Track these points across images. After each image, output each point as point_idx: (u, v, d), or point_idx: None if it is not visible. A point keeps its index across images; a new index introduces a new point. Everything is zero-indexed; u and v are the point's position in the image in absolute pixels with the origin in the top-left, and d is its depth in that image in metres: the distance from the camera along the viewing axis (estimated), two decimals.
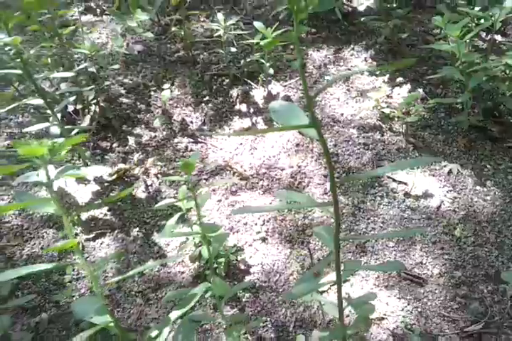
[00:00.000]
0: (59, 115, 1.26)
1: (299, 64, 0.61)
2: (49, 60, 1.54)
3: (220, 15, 1.66)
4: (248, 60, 1.69)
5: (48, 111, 1.26)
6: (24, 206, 0.78)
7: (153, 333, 0.83)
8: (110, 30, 1.94)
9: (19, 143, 0.70)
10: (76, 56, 1.75)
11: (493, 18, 1.46)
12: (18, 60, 1.16)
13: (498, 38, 1.97)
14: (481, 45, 1.88)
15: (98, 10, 2.05)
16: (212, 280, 0.87)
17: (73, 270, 1.23)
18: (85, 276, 1.23)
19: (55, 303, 1.19)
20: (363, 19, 1.79)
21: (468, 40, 1.46)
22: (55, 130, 1.20)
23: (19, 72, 1.14)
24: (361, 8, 2.06)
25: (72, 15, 2.02)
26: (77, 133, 1.32)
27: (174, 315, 0.85)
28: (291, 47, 1.88)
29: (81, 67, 1.35)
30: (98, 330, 0.79)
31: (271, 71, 1.67)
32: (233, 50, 1.68)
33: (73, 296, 1.20)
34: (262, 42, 1.52)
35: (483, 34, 1.98)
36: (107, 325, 0.80)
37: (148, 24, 1.93)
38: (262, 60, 1.63)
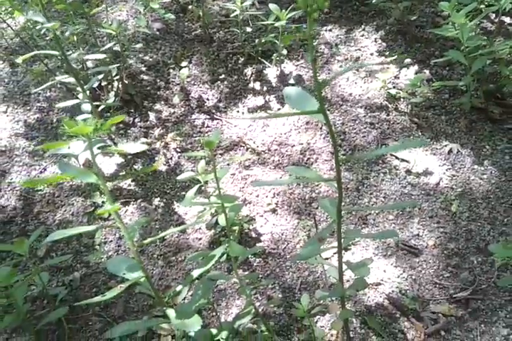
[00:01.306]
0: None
1: (310, 59, 0.71)
2: (75, 37, 1.63)
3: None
4: (262, 40, 1.76)
5: (75, 87, 1.36)
6: (71, 177, 0.89)
7: (177, 288, 0.96)
8: (130, 8, 2.01)
9: (69, 123, 0.81)
10: (98, 33, 1.83)
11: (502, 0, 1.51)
12: (54, 41, 1.26)
13: (507, 20, 2.01)
14: (490, 27, 1.92)
15: None
16: (229, 244, 0.99)
17: (101, 234, 1.37)
18: (112, 240, 1.36)
19: (86, 264, 1.33)
20: (374, 0, 1.84)
21: (475, 24, 1.52)
22: (87, 107, 1.30)
23: (56, 52, 1.23)
24: None
25: None
26: (103, 108, 1.43)
27: (195, 273, 0.97)
28: (304, 26, 1.94)
29: (108, 46, 1.44)
30: (131, 284, 0.92)
31: (284, 51, 1.74)
32: (248, 30, 1.75)
33: (101, 258, 1.34)
34: (276, 24, 1.59)
35: (493, 15, 2.02)
36: (139, 280, 0.93)
37: (167, 2, 1.99)
38: (276, 41, 1.70)
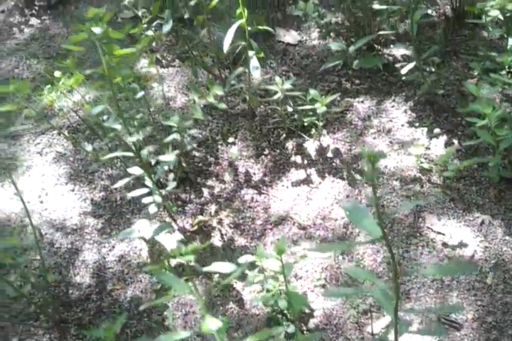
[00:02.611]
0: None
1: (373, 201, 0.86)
2: (135, 122, 1.80)
3: (277, 79, 1.89)
4: (302, 116, 1.92)
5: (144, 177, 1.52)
6: (176, 291, 1.04)
7: None
8: (177, 83, 2.19)
9: (174, 251, 0.96)
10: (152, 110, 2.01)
11: None
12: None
13: None
14: None
15: (164, 61, 2.30)
16: (295, 333, 1.13)
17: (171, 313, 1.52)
18: (179, 316, 1.51)
19: None
20: (402, 71, 1.97)
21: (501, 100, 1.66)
22: (157, 198, 1.46)
23: (131, 154, 1.40)
24: (398, 54, 2.27)
25: (141, 67, 2.28)
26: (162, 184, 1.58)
27: None
28: (338, 98, 2.09)
29: (170, 138, 1.60)
30: None
31: (322, 126, 1.90)
32: (290, 109, 1.92)
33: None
34: (318, 111, 1.74)
35: None
36: None
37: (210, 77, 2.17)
38: (316, 122, 1.86)
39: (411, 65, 1.88)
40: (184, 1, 2.09)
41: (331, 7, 2.42)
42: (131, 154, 1.40)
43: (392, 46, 2.26)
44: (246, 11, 1.61)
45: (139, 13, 2.26)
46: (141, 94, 1.58)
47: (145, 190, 1.50)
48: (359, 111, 2.07)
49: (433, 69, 1.97)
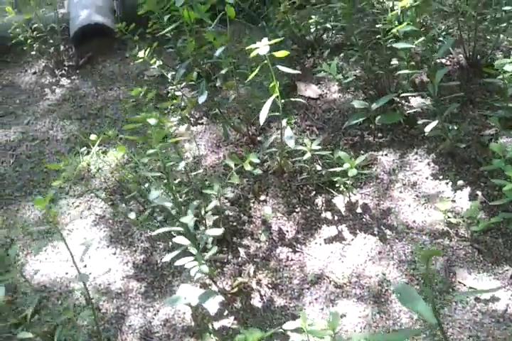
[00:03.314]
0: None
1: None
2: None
3: (306, 140, 1.98)
4: (330, 174, 2.00)
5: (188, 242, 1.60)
6: None
7: None
8: (206, 141, 2.29)
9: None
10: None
11: None
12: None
13: None
14: None
15: (192, 119, 2.41)
16: None
17: None
18: None
19: None
20: (426, 129, 2.05)
21: None
22: (204, 268, 1.53)
23: (181, 229, 1.47)
24: (416, 105, 2.37)
25: (171, 126, 2.38)
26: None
27: None
28: (362, 152, 2.18)
29: (211, 206, 1.69)
30: None
31: (349, 182, 1.98)
32: (318, 168, 2.00)
33: None
34: (349, 173, 1.83)
35: None
36: None
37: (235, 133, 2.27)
38: (345, 180, 1.94)
39: (434, 123, 1.97)
40: (216, 69, 2.20)
41: (350, 62, 2.53)
42: (180, 229, 1.48)
43: (410, 99, 2.37)
44: (278, 83, 1.71)
45: (166, 74, 2.38)
46: (182, 165, 1.67)
47: (190, 259, 1.57)
48: (384, 164, 2.15)
49: (455, 127, 2.05)
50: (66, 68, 2.74)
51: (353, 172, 1.83)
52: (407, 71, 1.92)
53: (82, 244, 1.36)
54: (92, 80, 2.68)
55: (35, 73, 2.76)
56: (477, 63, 2.55)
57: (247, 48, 1.67)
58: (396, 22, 1.94)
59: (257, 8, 2.81)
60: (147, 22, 2.48)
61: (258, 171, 1.84)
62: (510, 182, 1.66)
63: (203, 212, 1.69)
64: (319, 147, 1.95)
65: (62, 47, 2.74)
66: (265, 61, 1.67)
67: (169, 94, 2.52)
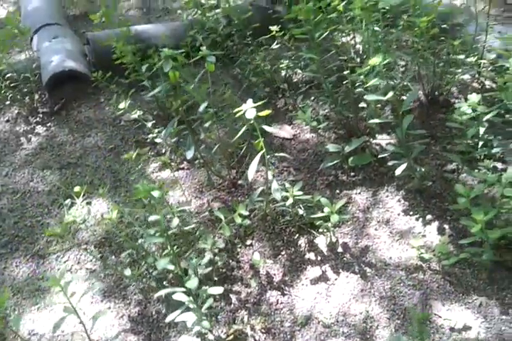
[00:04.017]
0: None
1: None
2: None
3: (287, 184, 2.10)
4: (312, 218, 2.13)
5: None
6: None
7: None
8: (189, 186, 2.37)
9: None
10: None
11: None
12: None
13: (499, 165, 2.45)
14: None
15: (173, 164, 2.48)
16: None
17: None
18: None
19: None
20: (396, 172, 2.21)
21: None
22: (205, 324, 1.61)
23: (181, 289, 1.55)
24: (383, 143, 2.54)
25: (152, 172, 2.45)
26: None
27: None
28: (338, 191, 2.32)
29: (206, 260, 1.77)
30: None
31: (330, 225, 2.11)
32: (300, 212, 2.13)
33: None
34: (331, 221, 1.96)
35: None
36: None
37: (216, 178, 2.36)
38: (326, 225, 2.07)
39: (403, 166, 2.14)
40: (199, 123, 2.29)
41: (320, 103, 2.69)
42: (182, 289, 1.56)
43: (378, 136, 2.54)
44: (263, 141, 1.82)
45: (145, 123, 2.44)
46: (176, 222, 1.75)
47: (190, 315, 1.65)
48: (358, 203, 2.30)
49: (422, 169, 2.22)
50: (40, 115, 2.75)
51: (334, 218, 1.96)
52: (377, 120, 2.08)
53: (92, 317, 1.42)
54: (68, 127, 2.71)
55: (8, 121, 2.76)
56: (436, 99, 2.77)
57: (234, 111, 1.77)
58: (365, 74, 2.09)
59: (230, 54, 2.95)
60: (120, 65, 2.55)
61: (247, 222, 1.94)
62: (476, 223, 1.83)
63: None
64: (300, 192, 2.08)
65: (35, 95, 2.75)
66: (251, 121, 1.77)
67: (148, 139, 2.58)
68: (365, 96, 2.06)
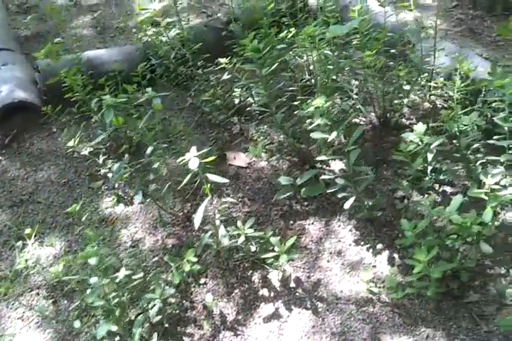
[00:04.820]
0: None
1: None
2: None
3: (239, 223, 2.12)
4: (264, 253, 2.15)
5: None
6: None
7: None
8: (143, 222, 2.36)
9: None
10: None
11: None
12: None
13: (447, 188, 2.50)
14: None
15: (126, 197, 2.47)
16: None
17: None
18: None
19: None
20: (345, 206, 2.23)
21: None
22: None
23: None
24: (336, 168, 2.58)
25: (106, 208, 2.43)
26: None
27: None
28: (291, 222, 2.35)
29: (155, 310, 1.78)
30: None
31: (280, 263, 2.13)
32: (253, 249, 2.14)
33: None
34: (280, 260, 1.98)
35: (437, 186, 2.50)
36: None
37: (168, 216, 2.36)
38: (276, 264, 2.10)
39: (351, 200, 2.17)
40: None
41: (273, 129, 2.70)
42: None
43: (331, 162, 2.57)
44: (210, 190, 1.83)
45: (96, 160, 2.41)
46: (121, 273, 1.74)
47: None
48: (311, 234, 2.33)
49: (370, 203, 2.26)
50: None
51: (283, 258, 1.99)
52: (325, 157, 2.11)
53: None
54: (19, 160, 2.66)
55: None
56: (388, 121, 2.80)
57: (178, 161, 1.77)
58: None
59: (185, 80, 2.92)
60: (72, 95, 2.52)
61: (197, 267, 1.95)
62: (419, 262, 1.88)
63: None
64: (251, 230, 2.10)
65: None
66: (195, 169, 1.77)
67: (101, 173, 2.55)
68: (311, 134, 2.07)
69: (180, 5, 4.12)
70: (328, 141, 1.92)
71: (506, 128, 2.14)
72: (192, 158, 1.74)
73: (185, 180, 1.79)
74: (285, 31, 2.38)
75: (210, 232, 2.00)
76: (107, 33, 3.57)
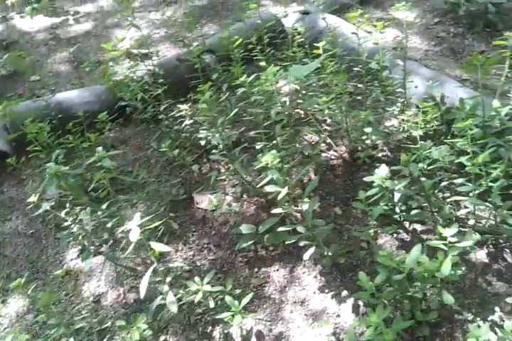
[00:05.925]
0: None
1: None
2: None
3: (197, 278, 2.09)
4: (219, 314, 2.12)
5: None
6: None
7: None
8: (106, 275, 2.36)
9: None
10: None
11: None
12: None
13: (418, 227, 2.43)
14: (406, 238, 2.33)
15: (92, 248, 2.46)
16: None
17: None
18: None
19: None
20: (304, 257, 2.17)
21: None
22: None
23: None
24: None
25: (71, 259, 2.43)
26: None
27: None
28: (256, 269, 2.31)
29: None
30: None
31: (238, 321, 2.08)
32: (211, 305, 2.11)
33: None
34: (234, 321, 1.95)
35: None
36: None
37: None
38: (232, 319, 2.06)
39: (312, 250, 2.12)
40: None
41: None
42: None
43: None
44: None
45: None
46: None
47: None
48: (275, 281, 2.29)
49: (330, 253, 2.21)
50: None
51: (237, 320, 1.95)
52: (280, 210, 2.06)
53: None
54: None
55: None
56: (359, 156, 2.73)
57: (127, 229, 1.74)
58: None
59: (156, 114, 2.92)
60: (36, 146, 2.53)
61: (149, 332, 1.93)
62: (372, 323, 1.83)
63: None
64: (209, 287, 2.07)
65: None
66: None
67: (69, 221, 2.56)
68: (265, 187, 2.03)
69: (158, 34, 4.11)
70: (281, 196, 1.88)
71: (472, 171, 2.07)
72: (133, 228, 1.72)
73: (129, 249, 1.76)
74: (244, 76, 2.34)
75: (159, 298, 1.97)
76: (83, 67, 3.57)
